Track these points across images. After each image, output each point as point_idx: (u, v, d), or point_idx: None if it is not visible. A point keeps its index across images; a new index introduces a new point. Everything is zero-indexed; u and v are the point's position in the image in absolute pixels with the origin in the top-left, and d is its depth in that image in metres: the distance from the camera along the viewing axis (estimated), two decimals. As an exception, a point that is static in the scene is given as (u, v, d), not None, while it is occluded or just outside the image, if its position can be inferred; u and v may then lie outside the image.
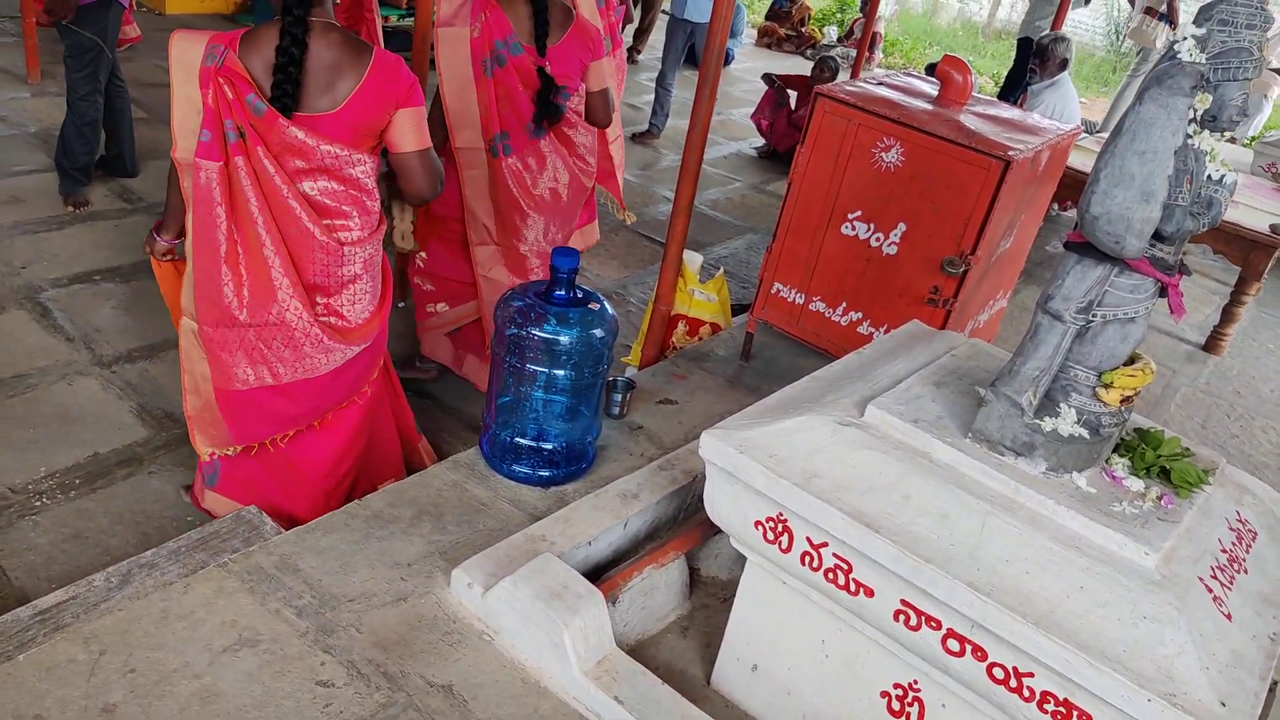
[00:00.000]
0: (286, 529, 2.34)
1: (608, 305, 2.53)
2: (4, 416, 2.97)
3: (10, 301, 3.57)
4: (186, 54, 2.15)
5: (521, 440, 2.56)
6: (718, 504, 1.99)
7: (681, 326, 3.57)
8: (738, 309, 4.00)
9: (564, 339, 2.40)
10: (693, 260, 3.53)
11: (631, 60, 9.29)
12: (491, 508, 2.47)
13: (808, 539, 1.84)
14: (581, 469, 2.63)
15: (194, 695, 1.81)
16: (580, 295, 2.48)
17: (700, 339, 3.61)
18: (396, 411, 2.91)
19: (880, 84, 3.26)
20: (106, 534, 2.63)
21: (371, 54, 2.22)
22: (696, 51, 6.76)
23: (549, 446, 2.56)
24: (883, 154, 2.96)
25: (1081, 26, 12.60)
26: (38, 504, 2.71)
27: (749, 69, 10.03)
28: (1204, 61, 1.60)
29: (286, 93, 2.13)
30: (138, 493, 2.78)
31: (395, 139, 2.28)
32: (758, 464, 1.86)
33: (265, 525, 2.43)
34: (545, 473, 2.57)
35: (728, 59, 9.55)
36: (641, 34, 9.29)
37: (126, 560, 2.29)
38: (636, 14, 8.99)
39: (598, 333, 2.45)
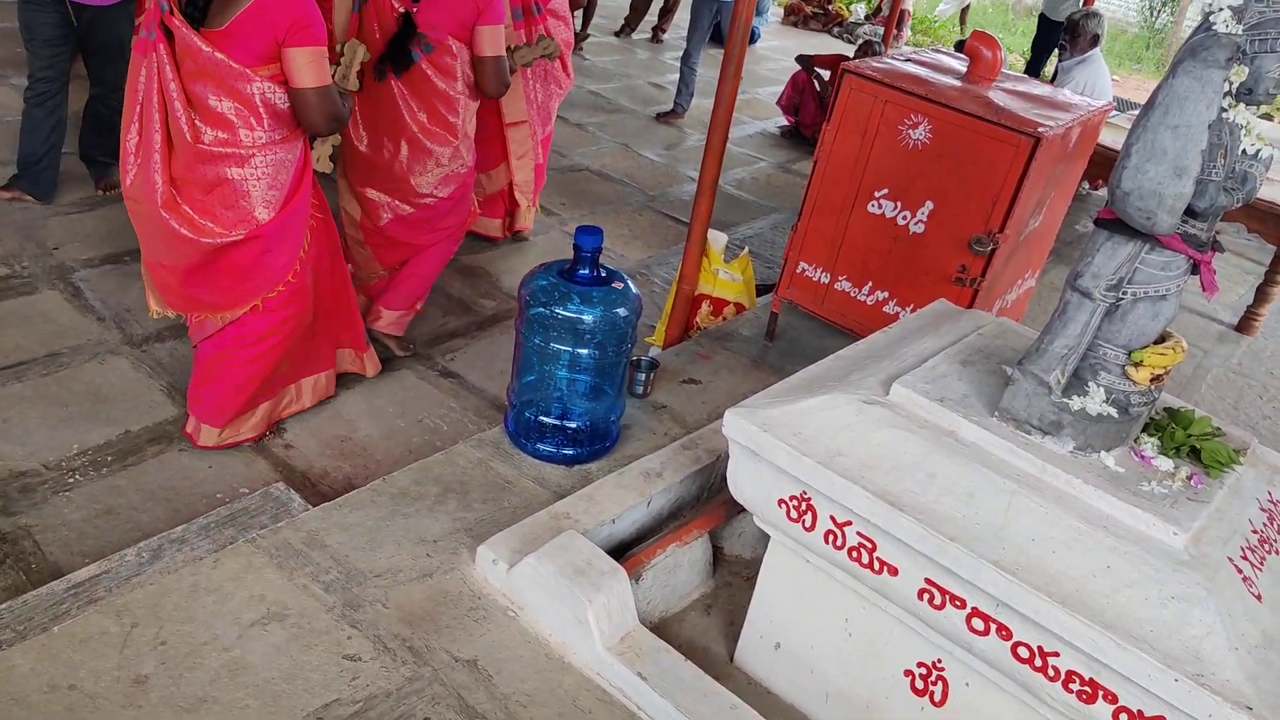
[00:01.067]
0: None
1: (631, 284, 2.53)
2: (38, 395, 3.01)
3: (43, 282, 3.62)
4: None
5: (545, 419, 2.56)
6: (741, 482, 1.99)
7: (706, 306, 3.56)
8: (763, 289, 3.98)
9: (587, 318, 2.41)
10: (717, 240, 3.52)
11: (656, 39, 9.24)
12: (516, 485, 2.48)
13: (831, 517, 1.83)
14: (605, 448, 2.64)
15: (223, 667, 1.84)
16: (604, 274, 2.48)
17: (724, 319, 3.60)
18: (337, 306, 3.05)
19: (908, 60, 3.22)
20: (137, 510, 2.66)
21: None
22: (723, 30, 6.71)
23: (573, 425, 2.56)
24: (910, 131, 2.93)
25: (1114, 3, 12.38)
26: (70, 480, 2.75)
27: (775, 48, 9.95)
28: (1240, 33, 1.57)
29: (196, 5, 2.41)
30: (168, 469, 2.82)
31: (289, 73, 2.49)
32: (781, 442, 1.85)
33: (293, 502, 2.47)
34: (569, 451, 2.57)
35: (753, 37, 9.46)
36: (666, 13, 9.23)
37: (157, 535, 2.34)
38: None
39: (621, 311, 2.45)
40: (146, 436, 2.93)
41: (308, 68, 2.48)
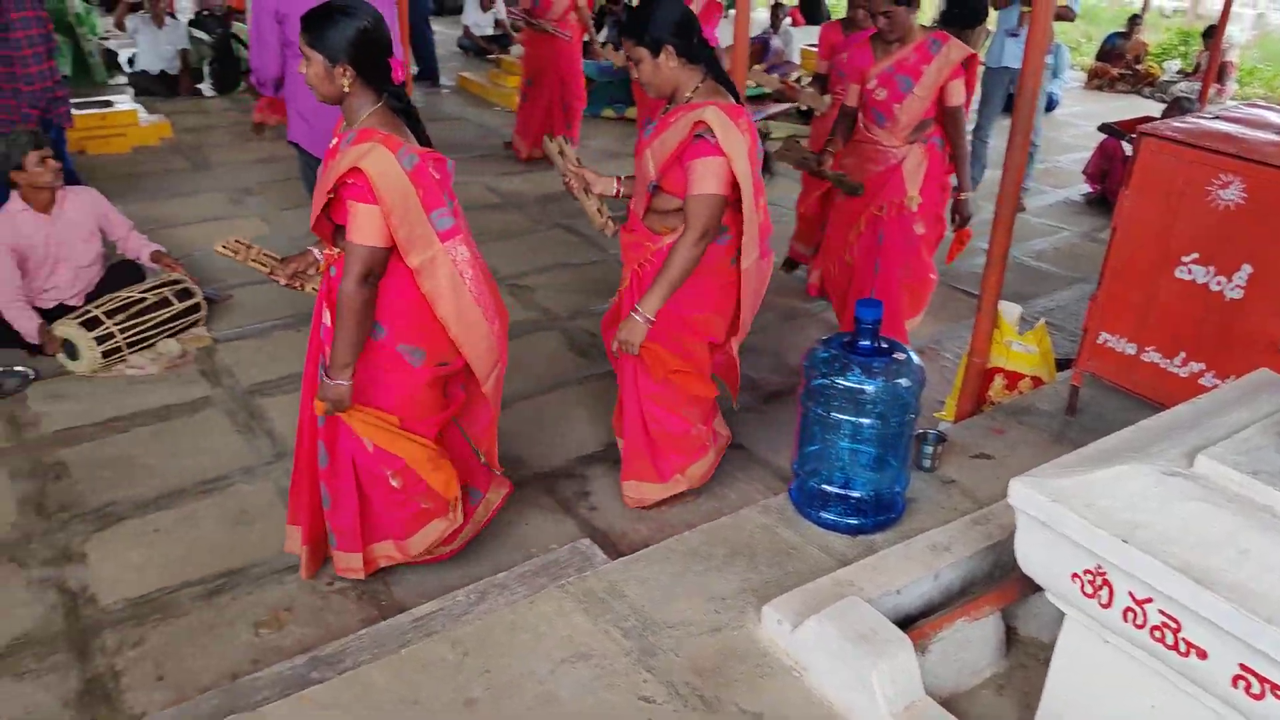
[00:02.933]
0: None
1: (914, 355, 2.57)
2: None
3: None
4: (400, 163, 2.40)
5: (829, 488, 2.64)
6: (1030, 555, 1.95)
7: (999, 380, 3.48)
8: (1066, 363, 3.81)
9: (868, 388, 2.47)
10: (1010, 311, 3.45)
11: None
12: (800, 551, 2.56)
13: (1130, 594, 1.76)
14: (890, 519, 2.66)
15: (537, 698, 2.06)
16: (885, 345, 2.54)
17: (1020, 393, 3.49)
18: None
19: (1216, 118, 3.04)
20: (465, 558, 3.00)
21: None
22: (1016, 100, 6.55)
23: (857, 495, 2.62)
24: (1220, 191, 2.75)
25: None
26: (414, 531, 3.18)
27: (1077, 113, 9.52)
28: None
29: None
30: (495, 522, 3.17)
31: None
32: (1073, 513, 1.81)
33: (597, 555, 2.71)
34: (853, 521, 2.62)
35: (1051, 104, 9.10)
36: (959, 87, 9.12)
37: (483, 581, 2.67)
38: None
39: (903, 382, 2.49)
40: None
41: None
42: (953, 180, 4.09)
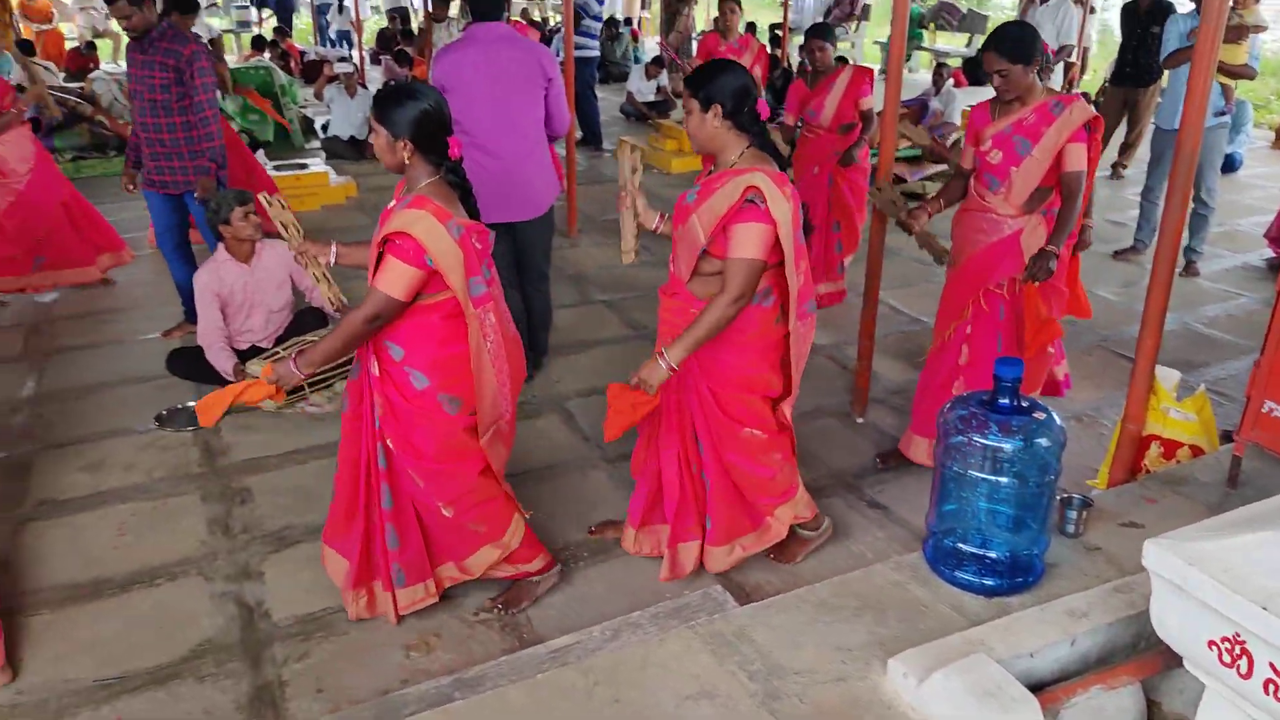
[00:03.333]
0: None
1: (1054, 415, 2.54)
2: (537, 497, 3.70)
3: (547, 407, 4.45)
4: (438, 241, 2.61)
5: (964, 547, 2.62)
6: (1165, 620, 1.90)
7: (1155, 448, 3.35)
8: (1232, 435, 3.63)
9: (1006, 447, 2.46)
10: (1168, 377, 3.33)
11: (1117, 175, 8.84)
12: (931, 609, 2.55)
13: (1270, 665, 1.69)
14: (1027, 582, 2.61)
15: (662, 731, 2.14)
16: (1024, 404, 2.52)
17: (1177, 461, 3.35)
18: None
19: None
20: (603, 599, 3.14)
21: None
22: (1189, 161, 6.30)
23: (993, 555, 2.58)
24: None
25: None
26: (555, 568, 3.33)
27: (1261, 174, 9.02)
28: None
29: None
30: (629, 568, 3.29)
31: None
32: (1210, 578, 1.76)
33: (728, 602, 2.78)
34: (989, 581, 2.59)
35: (1232, 164, 8.67)
36: (1128, 148, 8.82)
37: (618, 619, 2.79)
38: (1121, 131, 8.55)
39: (1042, 442, 2.47)
40: (614, 539, 3.44)
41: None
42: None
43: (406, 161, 2.67)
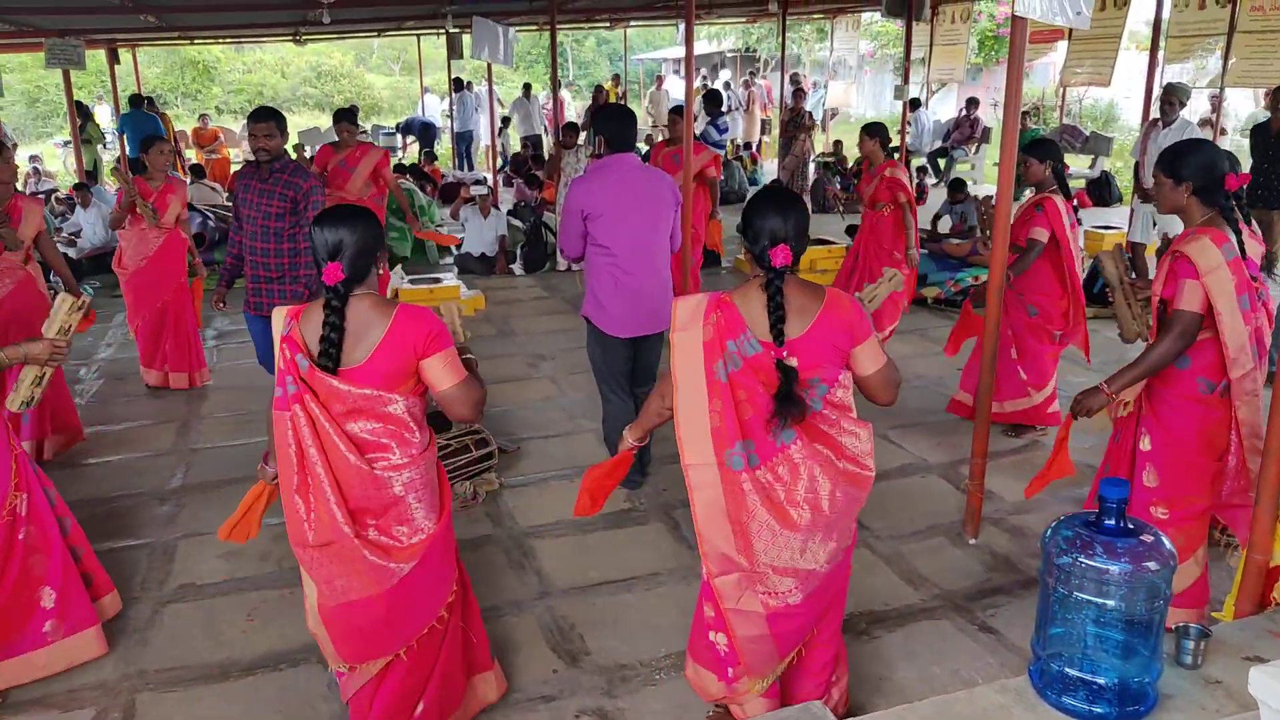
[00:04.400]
0: None
1: (1164, 539, 2.48)
2: (641, 604, 3.76)
3: (653, 515, 4.54)
4: (277, 325, 2.67)
5: (1072, 672, 2.55)
6: (1280, 755, 1.83)
7: (1286, 580, 3.20)
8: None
9: (1113, 570, 2.41)
10: (1296, 506, 3.20)
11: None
12: (1037, 735, 2.48)
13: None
14: (1139, 711, 2.51)
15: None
16: (1131, 526, 2.48)
17: (1309, 595, 3.18)
18: (468, 635, 3.04)
19: None
20: (699, 709, 3.15)
21: (393, 313, 2.62)
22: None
23: (1101, 681, 2.51)
24: None
25: None
26: (657, 677, 3.36)
27: None
28: None
29: (328, 353, 2.58)
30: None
31: (431, 381, 2.66)
32: (1323, 712, 1.70)
33: (828, 717, 2.75)
34: (1098, 709, 2.50)
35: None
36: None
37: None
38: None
39: (1151, 566, 2.41)
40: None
41: (446, 370, 2.65)
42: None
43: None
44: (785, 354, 2.57)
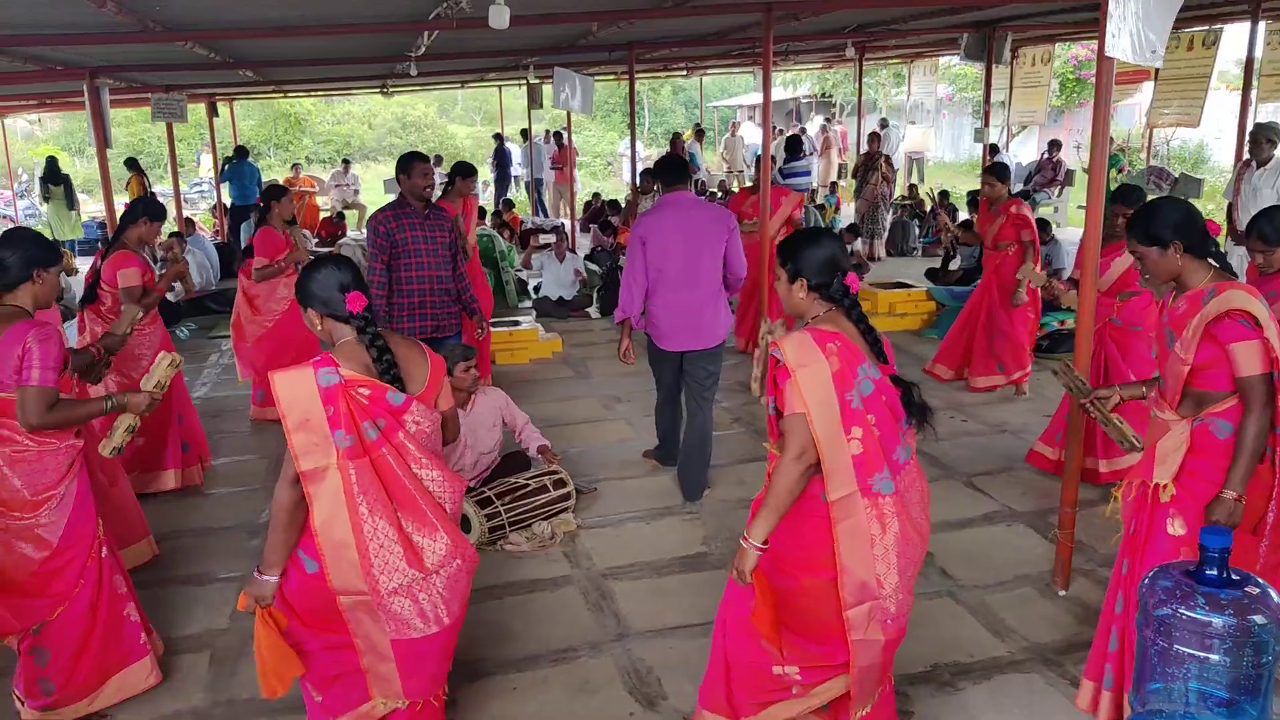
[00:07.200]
0: None
1: (1272, 591, 2.38)
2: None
3: (729, 559, 4.49)
4: (294, 388, 2.60)
5: (1173, 729, 2.44)
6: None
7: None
8: None
9: (1216, 622, 2.32)
10: None
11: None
12: (1136, 795, 2.38)
13: None
14: (1247, 774, 2.39)
15: None
16: (1235, 577, 2.39)
17: None
18: None
19: None
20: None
21: (422, 346, 2.88)
22: None
23: (1206, 740, 2.40)
24: None
25: None
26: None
27: None
28: None
29: (399, 381, 2.70)
30: None
31: (442, 402, 2.88)
32: None
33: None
34: (1204, 770, 2.39)
35: None
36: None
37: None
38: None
39: (1257, 619, 2.31)
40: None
41: (448, 394, 2.93)
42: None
43: (320, 325, 2.78)
44: (896, 370, 2.77)
